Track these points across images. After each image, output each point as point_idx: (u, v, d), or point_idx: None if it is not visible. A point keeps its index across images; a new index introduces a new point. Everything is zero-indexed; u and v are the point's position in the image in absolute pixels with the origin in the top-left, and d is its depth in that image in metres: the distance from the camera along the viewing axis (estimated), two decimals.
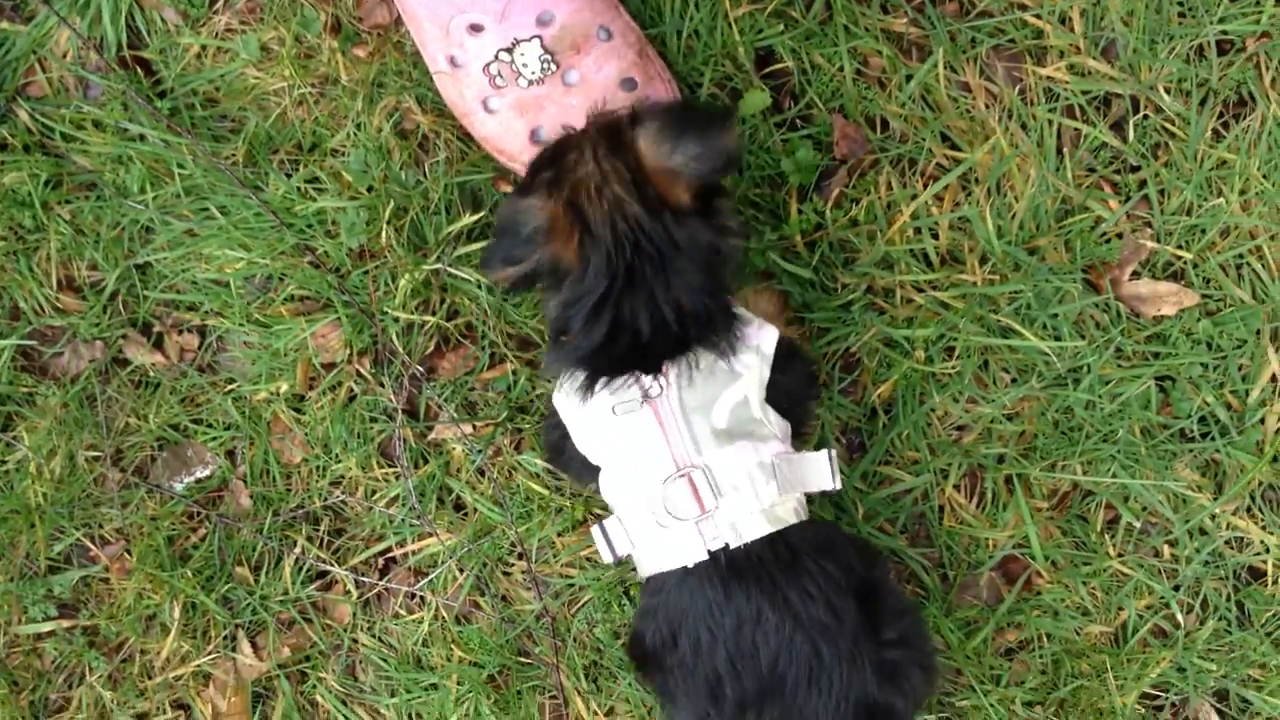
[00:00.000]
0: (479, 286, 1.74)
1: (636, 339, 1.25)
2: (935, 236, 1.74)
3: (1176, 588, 1.78)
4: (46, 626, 1.80)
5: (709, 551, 1.30)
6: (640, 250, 1.21)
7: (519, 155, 1.65)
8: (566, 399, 1.34)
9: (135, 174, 1.74)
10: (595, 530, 1.40)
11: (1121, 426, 1.76)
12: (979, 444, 1.76)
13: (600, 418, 1.33)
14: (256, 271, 1.75)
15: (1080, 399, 1.75)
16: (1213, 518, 1.78)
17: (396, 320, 1.72)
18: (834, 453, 1.42)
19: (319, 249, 1.72)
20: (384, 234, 1.69)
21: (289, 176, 1.75)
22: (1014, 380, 1.76)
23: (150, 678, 1.80)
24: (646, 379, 1.30)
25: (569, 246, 1.22)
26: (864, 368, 1.76)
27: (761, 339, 1.36)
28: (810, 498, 1.52)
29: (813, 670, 1.28)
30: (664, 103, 1.42)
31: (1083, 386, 1.75)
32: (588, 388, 1.30)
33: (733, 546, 1.29)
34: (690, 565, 1.30)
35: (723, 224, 1.29)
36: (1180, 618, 1.78)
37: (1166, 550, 1.78)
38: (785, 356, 1.38)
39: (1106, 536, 1.77)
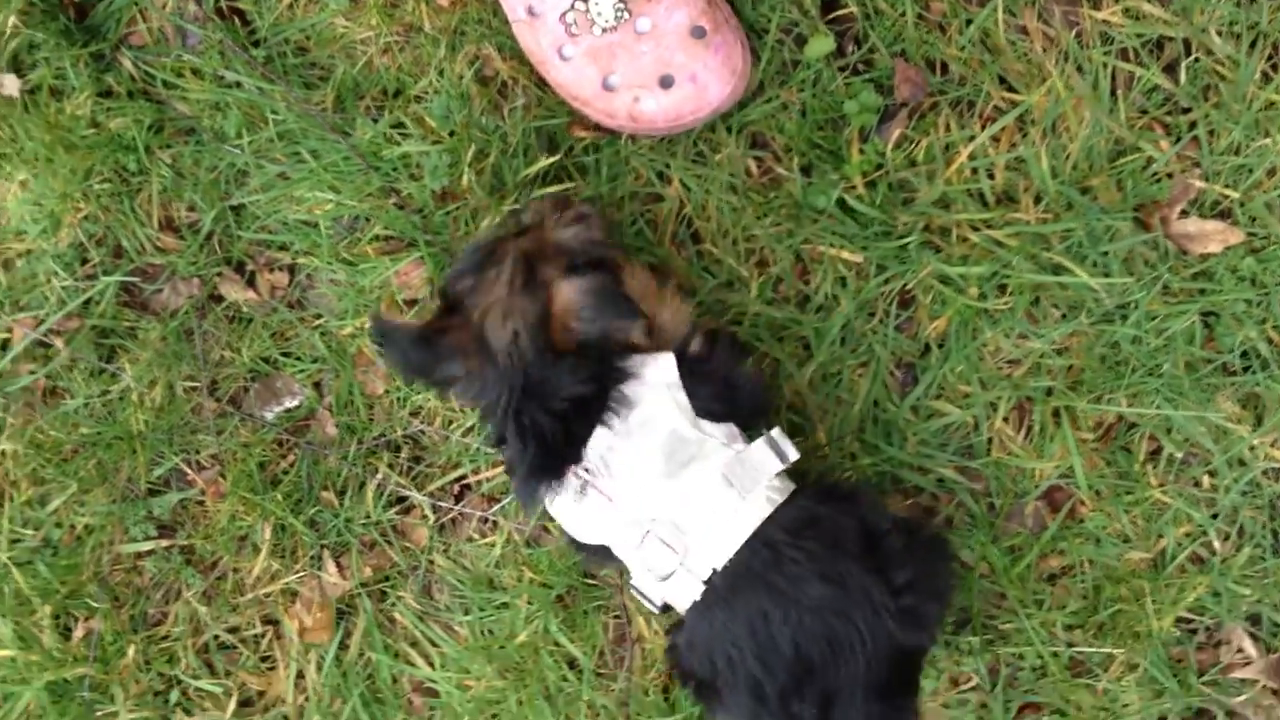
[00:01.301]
0: None
1: (544, 440, 1.34)
2: (991, 177, 1.81)
3: (1214, 516, 1.85)
4: (146, 546, 1.89)
5: (704, 583, 1.36)
6: (528, 375, 1.32)
7: (592, 101, 1.73)
8: (551, 506, 1.43)
9: (232, 120, 1.83)
10: (631, 589, 1.48)
11: (1166, 361, 1.83)
12: (1028, 378, 1.83)
13: (572, 510, 1.41)
14: (344, 213, 1.84)
15: (1127, 334, 1.82)
16: (1251, 449, 1.84)
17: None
18: (776, 431, 1.44)
19: (404, 191, 1.82)
20: (465, 176, 1.78)
21: (375, 122, 1.83)
22: (1063, 316, 1.84)
23: (241, 594, 1.90)
24: (577, 468, 1.37)
25: (472, 361, 1.34)
26: (919, 304, 1.84)
27: (658, 371, 1.39)
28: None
29: (832, 643, 1.33)
30: (595, 258, 1.45)
31: (1130, 322, 1.82)
32: (546, 492, 1.39)
33: (718, 570, 1.36)
34: (698, 599, 1.37)
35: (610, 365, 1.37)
36: (1217, 545, 1.85)
37: (1206, 480, 1.85)
38: (693, 368, 1.43)
39: (1149, 467, 1.84)
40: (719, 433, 1.40)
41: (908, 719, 1.49)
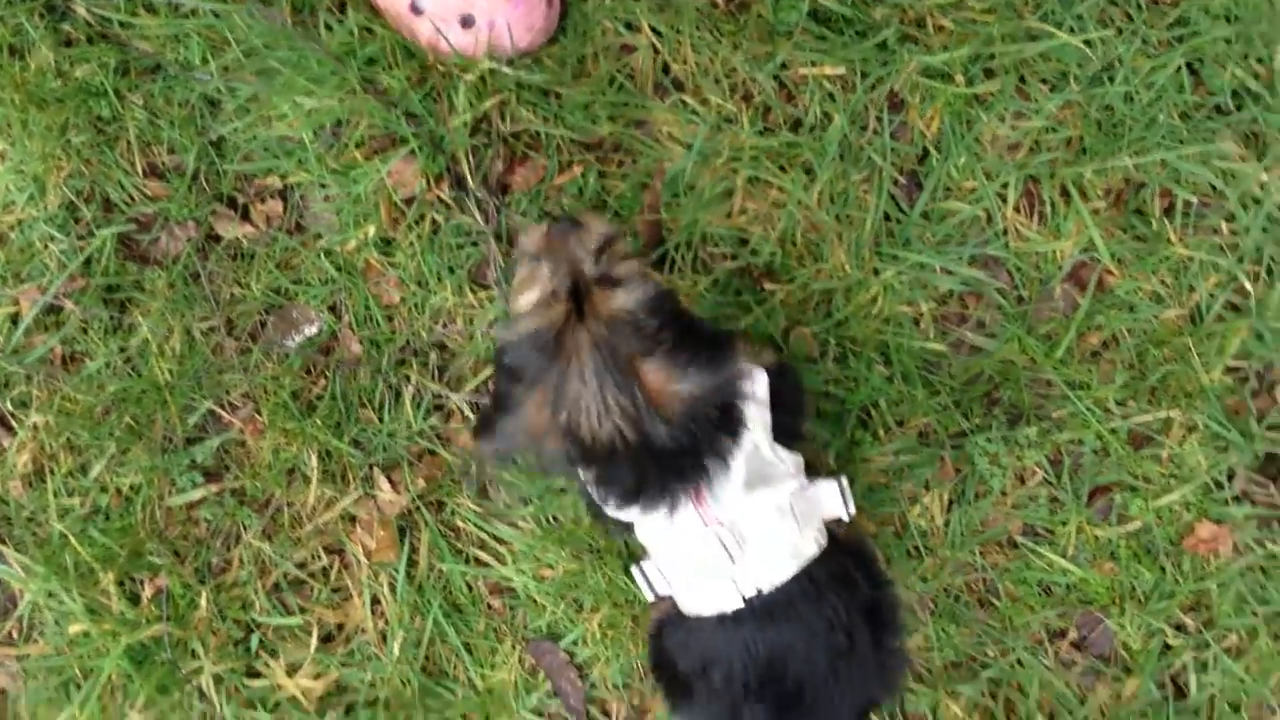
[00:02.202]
0: (528, 89, 1.86)
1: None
2: None
3: (1240, 259, 1.91)
4: (196, 494, 1.93)
5: (744, 599, 1.44)
6: (655, 453, 1.30)
7: (400, 19, 1.83)
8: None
9: (194, 48, 1.87)
10: (636, 571, 1.54)
11: (1160, 113, 1.89)
12: (1030, 158, 1.89)
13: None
14: (325, 119, 1.87)
15: (1118, 93, 1.88)
16: (1262, 185, 1.90)
17: (465, 125, 1.83)
18: (844, 480, 1.54)
19: (381, 84, 1.83)
20: (431, 57, 1.83)
21: (340, 24, 1.85)
22: (1053, 89, 1.88)
23: (300, 527, 1.93)
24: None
25: (556, 440, 1.31)
26: (909, 106, 1.89)
27: (755, 386, 1.42)
28: None
29: (828, 685, 1.44)
30: (663, 312, 1.34)
31: (1118, 81, 1.88)
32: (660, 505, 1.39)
33: (765, 592, 1.43)
34: (729, 612, 1.45)
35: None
36: (1249, 287, 1.91)
37: (1224, 226, 1.93)
38: (775, 388, 1.49)
39: (1166, 222, 1.91)
40: (789, 461, 1.50)
41: None
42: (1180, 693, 1.92)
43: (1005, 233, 1.91)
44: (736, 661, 1.42)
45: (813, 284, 1.88)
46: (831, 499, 1.53)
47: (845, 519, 1.54)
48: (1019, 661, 1.91)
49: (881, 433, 1.90)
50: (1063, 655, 1.92)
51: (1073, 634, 1.93)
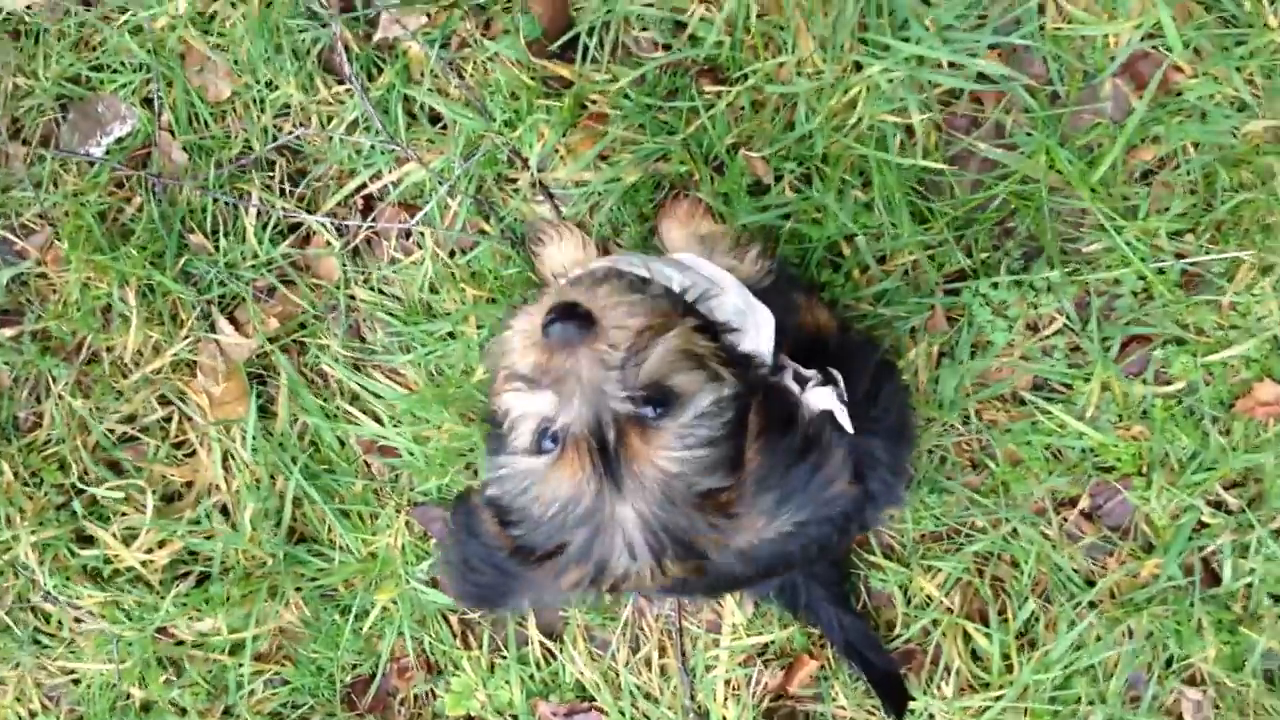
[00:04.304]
0: None
1: None
2: None
3: None
4: None
5: None
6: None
7: None
8: None
9: None
10: None
11: None
12: None
13: None
14: None
15: None
16: None
17: None
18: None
19: None
20: None
21: None
22: None
23: (124, 376, 1.83)
24: None
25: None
26: None
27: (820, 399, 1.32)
28: None
29: None
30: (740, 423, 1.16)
31: None
32: None
33: None
34: None
35: None
36: None
37: None
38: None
39: (1263, 3, 1.61)
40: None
41: None
42: (1212, 578, 1.82)
43: (1042, 9, 1.63)
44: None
45: (770, 86, 1.64)
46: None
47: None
48: (1014, 533, 1.81)
49: (856, 273, 1.73)
50: (1068, 527, 1.82)
51: (1085, 503, 1.82)
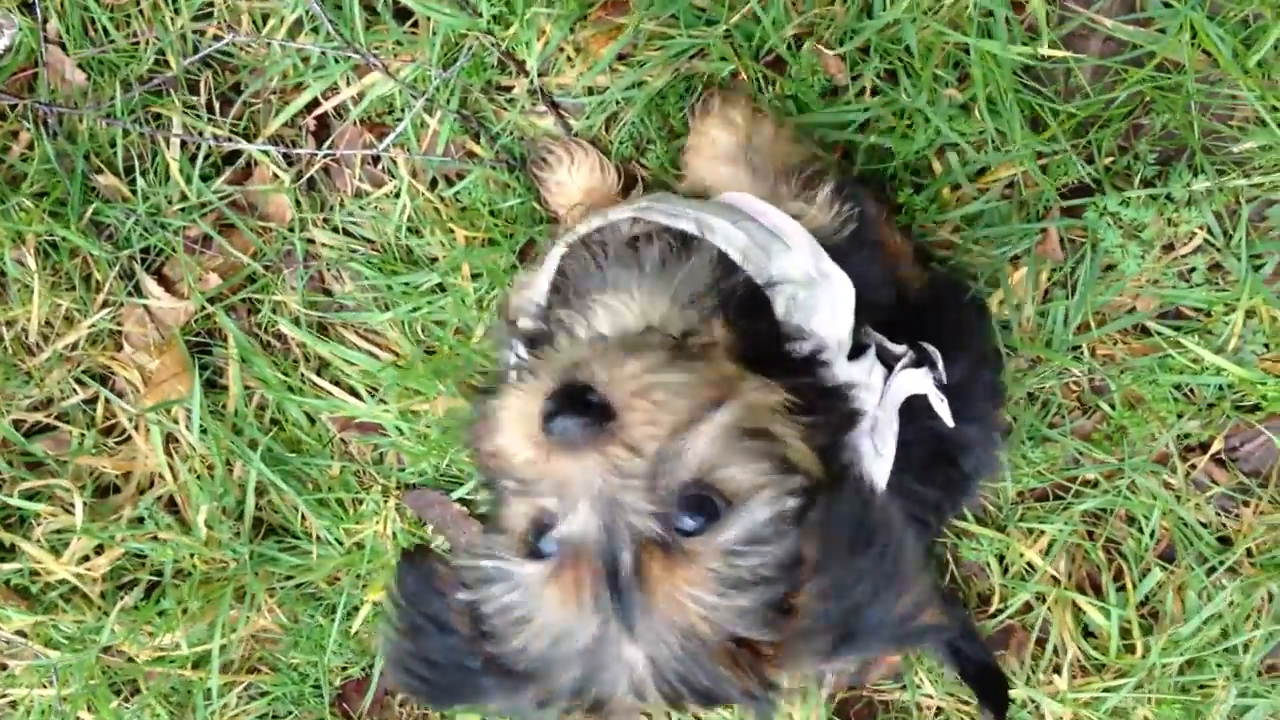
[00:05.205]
0: None
1: None
2: None
3: None
4: None
5: None
6: None
7: None
8: None
9: None
10: None
11: None
12: None
13: None
14: None
15: None
16: None
17: None
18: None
19: None
20: None
21: None
22: None
23: (31, 355, 1.63)
24: None
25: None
26: None
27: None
28: None
29: None
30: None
31: None
32: None
33: None
34: None
35: None
36: None
37: None
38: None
39: None
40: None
41: None
42: None
43: None
44: None
45: None
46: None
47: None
48: (1132, 486, 1.69)
49: (947, 191, 1.59)
50: (1196, 475, 1.70)
51: (1218, 445, 1.70)
